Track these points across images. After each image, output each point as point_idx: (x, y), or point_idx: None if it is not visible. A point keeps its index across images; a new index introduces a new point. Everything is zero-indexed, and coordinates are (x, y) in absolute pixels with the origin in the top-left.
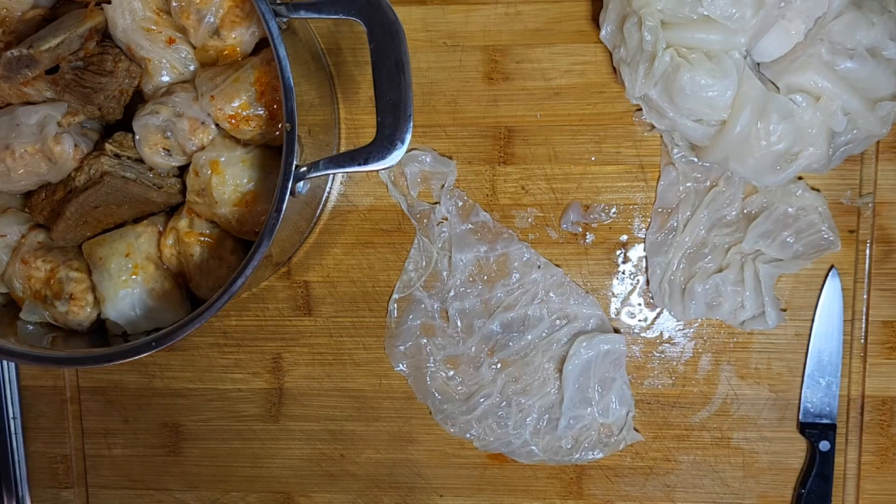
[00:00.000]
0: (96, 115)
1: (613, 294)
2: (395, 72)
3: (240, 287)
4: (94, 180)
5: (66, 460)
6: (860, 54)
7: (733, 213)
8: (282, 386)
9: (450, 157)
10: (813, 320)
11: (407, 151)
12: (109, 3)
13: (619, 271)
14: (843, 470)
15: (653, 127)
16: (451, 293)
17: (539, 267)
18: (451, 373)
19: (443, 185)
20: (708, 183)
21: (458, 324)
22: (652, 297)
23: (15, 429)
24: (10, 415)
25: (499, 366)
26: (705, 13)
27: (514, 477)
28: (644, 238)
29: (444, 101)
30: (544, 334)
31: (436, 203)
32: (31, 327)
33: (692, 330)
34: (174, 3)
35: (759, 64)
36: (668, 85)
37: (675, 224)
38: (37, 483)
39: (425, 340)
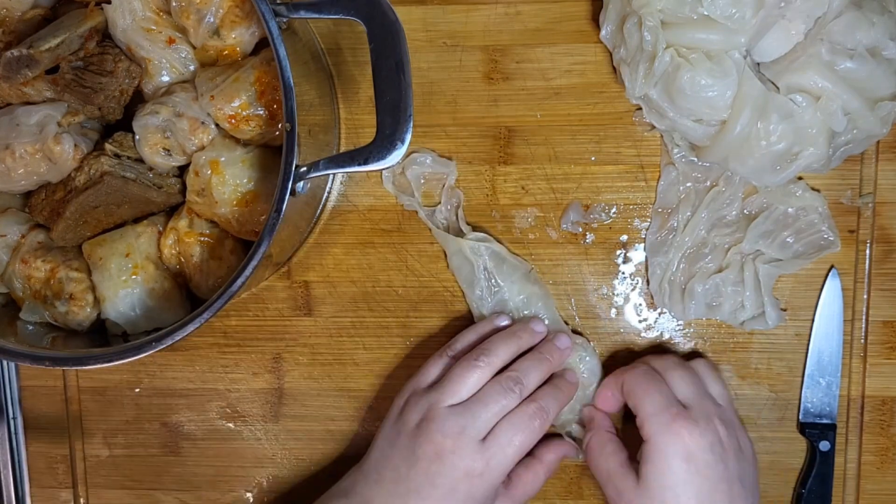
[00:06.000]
0: (96, 115)
1: (614, 294)
2: (395, 72)
3: (240, 287)
4: (94, 180)
5: (65, 460)
6: (860, 54)
7: (733, 213)
8: (282, 386)
9: (450, 158)
10: (813, 320)
11: (407, 154)
12: (109, 3)
13: (619, 271)
14: (843, 470)
15: (653, 127)
16: None
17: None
18: None
19: (443, 186)
20: (708, 183)
21: None
22: (652, 297)
23: (15, 429)
24: (11, 415)
25: None
26: (705, 13)
27: None
28: (644, 238)
29: (444, 101)
30: None
31: (437, 203)
32: (31, 327)
33: (692, 330)
34: (174, 3)
35: (759, 64)
36: (668, 85)
37: (675, 224)
38: (37, 483)
39: None
